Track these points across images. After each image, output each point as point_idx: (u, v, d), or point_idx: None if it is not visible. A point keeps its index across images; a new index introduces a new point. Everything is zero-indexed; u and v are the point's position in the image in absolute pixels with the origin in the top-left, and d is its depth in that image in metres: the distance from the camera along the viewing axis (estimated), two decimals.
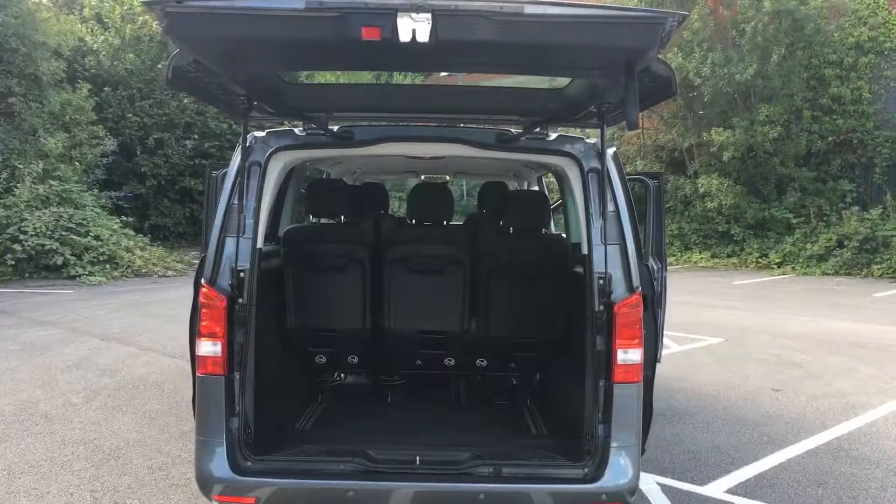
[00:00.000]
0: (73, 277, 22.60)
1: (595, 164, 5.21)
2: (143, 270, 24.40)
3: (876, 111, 27.50)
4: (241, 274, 4.97)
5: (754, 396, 9.74)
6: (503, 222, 6.50)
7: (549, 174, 9.07)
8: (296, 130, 5.42)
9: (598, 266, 4.96)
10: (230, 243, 5.02)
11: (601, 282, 4.98)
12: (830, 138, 27.61)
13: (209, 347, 4.98)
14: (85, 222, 24.42)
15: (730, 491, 6.83)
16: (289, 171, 7.24)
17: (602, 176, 5.13)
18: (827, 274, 25.10)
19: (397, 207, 26.03)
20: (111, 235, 24.83)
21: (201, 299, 5.04)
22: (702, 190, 28.28)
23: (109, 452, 7.59)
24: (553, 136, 5.43)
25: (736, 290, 21.40)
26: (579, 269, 6.16)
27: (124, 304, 17.70)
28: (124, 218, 27.28)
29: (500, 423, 6.24)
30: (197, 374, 4.99)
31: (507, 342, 6.52)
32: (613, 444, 4.80)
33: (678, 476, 7.12)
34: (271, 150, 5.18)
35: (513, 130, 5.42)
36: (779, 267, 26.52)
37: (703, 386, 10.22)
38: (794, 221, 27.38)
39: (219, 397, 4.89)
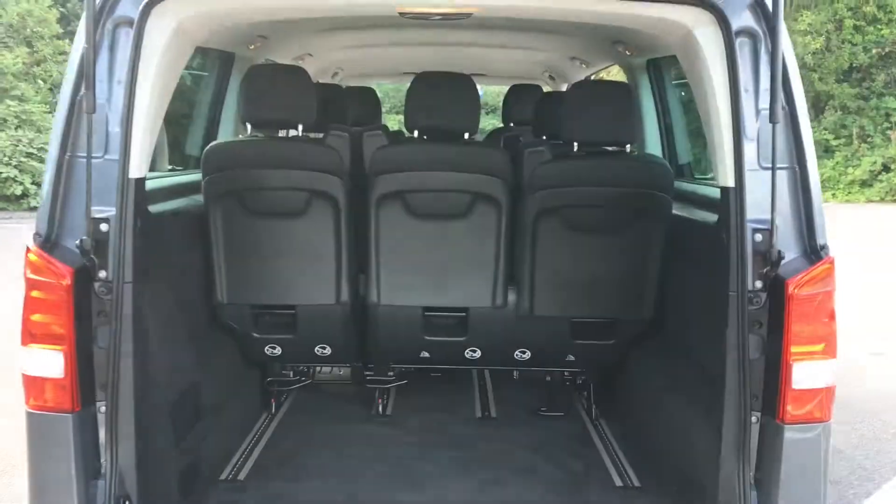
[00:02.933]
0: (34, 209, 20.18)
1: (752, 22, 2.95)
2: None
3: None
4: (103, 226, 2.80)
5: None
6: (562, 136, 4.04)
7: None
8: None
9: (754, 209, 2.84)
10: (78, 169, 2.83)
11: (759, 238, 2.86)
12: (875, 50, 24.99)
13: (44, 360, 2.88)
14: (46, 147, 21.87)
15: None
16: (220, 59, 4.78)
17: (774, 44, 2.79)
18: (872, 201, 22.81)
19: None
20: None
21: (27, 274, 2.85)
22: None
23: None
24: None
25: None
26: (692, 213, 3.79)
27: None
28: None
29: (555, 458, 3.95)
30: (27, 408, 2.89)
31: (564, 324, 4.20)
32: None
33: None
34: None
35: None
36: None
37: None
38: (834, 143, 25.01)
39: (64, 448, 2.83)
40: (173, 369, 3.31)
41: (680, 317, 3.89)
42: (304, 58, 5.99)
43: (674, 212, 3.97)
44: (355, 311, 4.21)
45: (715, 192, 3.79)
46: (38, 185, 20.75)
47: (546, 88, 7.50)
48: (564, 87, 7.45)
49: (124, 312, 2.83)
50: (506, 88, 7.36)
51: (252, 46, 4.79)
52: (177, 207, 3.85)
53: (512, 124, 6.81)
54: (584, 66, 6.29)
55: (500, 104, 7.56)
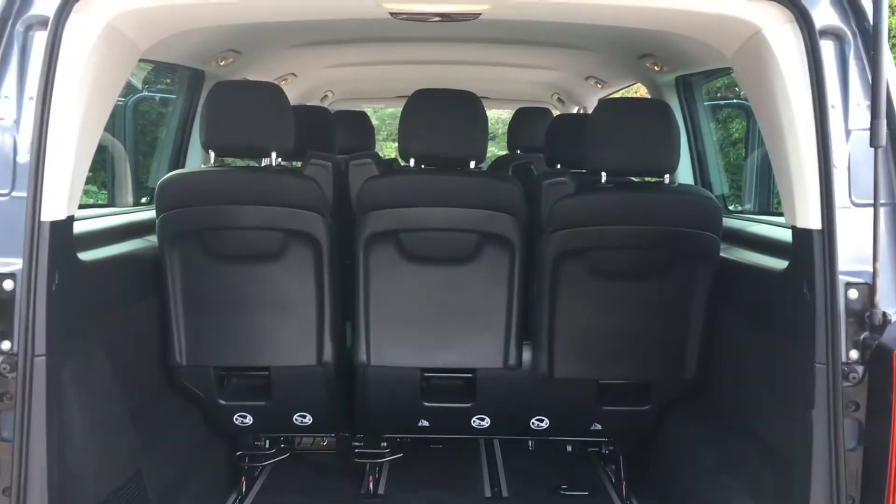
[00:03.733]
0: None
1: (837, 20, 2.35)
2: None
3: None
4: (6, 284, 2.22)
5: None
6: (587, 164, 3.38)
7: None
8: None
9: (846, 257, 2.25)
10: None
11: (853, 294, 2.26)
12: None
13: None
14: None
15: None
16: (189, 78, 4.17)
17: (876, 46, 2.18)
18: None
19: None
20: None
21: None
22: None
23: None
24: None
25: None
26: (743, 256, 3.27)
27: None
28: None
29: None
30: None
31: (590, 387, 3.54)
32: None
33: None
34: None
35: None
36: None
37: None
38: None
39: None
40: (108, 460, 2.63)
41: (734, 382, 3.21)
42: (287, 78, 5.36)
43: (721, 254, 3.32)
44: (340, 373, 3.53)
45: (779, 232, 3.15)
46: None
47: (555, 112, 6.87)
48: (576, 111, 6.83)
49: (34, 394, 2.17)
50: (506, 114, 6.75)
51: (223, 62, 4.15)
52: (125, 252, 3.20)
53: (519, 151, 6.16)
54: (599, 85, 5.66)
55: (500, 130, 6.93)
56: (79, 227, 2.79)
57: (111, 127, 4.82)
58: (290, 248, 3.34)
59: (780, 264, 2.85)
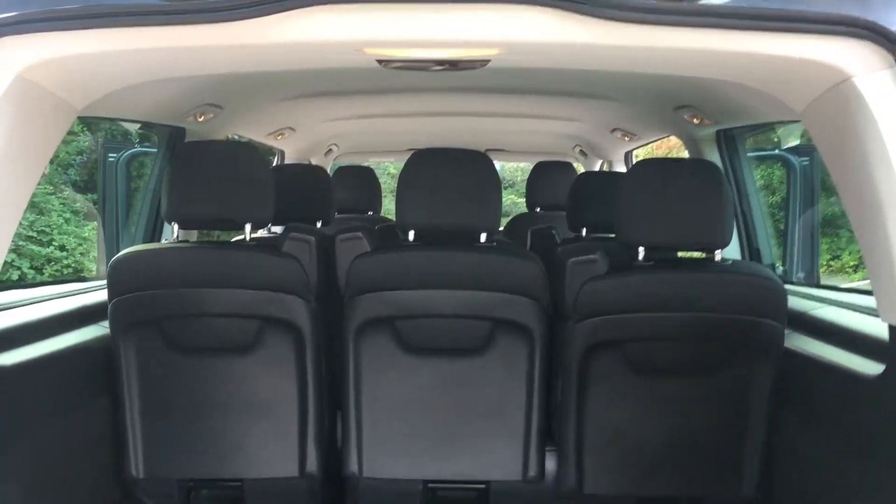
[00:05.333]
0: None
1: None
2: None
3: None
4: None
5: None
6: (621, 236, 2.82)
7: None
8: None
9: None
10: None
11: None
12: None
13: None
14: (48, 230, 21.09)
15: None
16: (168, 137, 3.73)
17: None
18: None
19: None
20: (79, 245, 21.49)
21: None
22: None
23: None
24: None
25: None
26: (812, 347, 2.66)
27: None
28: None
29: None
30: None
31: (622, 501, 2.89)
32: None
33: None
34: None
35: None
36: (855, 272, 22.58)
37: None
38: None
39: None
40: None
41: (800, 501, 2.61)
42: (283, 133, 4.88)
43: (787, 345, 2.74)
44: (328, 486, 2.96)
45: (859, 321, 2.58)
46: (37, 269, 19.90)
47: (577, 165, 6.34)
48: (598, 165, 6.29)
49: None
50: (527, 163, 6.23)
51: (201, 118, 3.66)
52: (65, 347, 2.67)
53: (539, 209, 5.60)
54: (627, 138, 5.13)
55: (519, 177, 6.40)
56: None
57: (102, 186, 4.37)
58: (267, 338, 2.81)
59: (870, 367, 2.27)
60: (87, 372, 2.79)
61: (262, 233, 4.00)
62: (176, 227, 2.86)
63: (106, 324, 2.88)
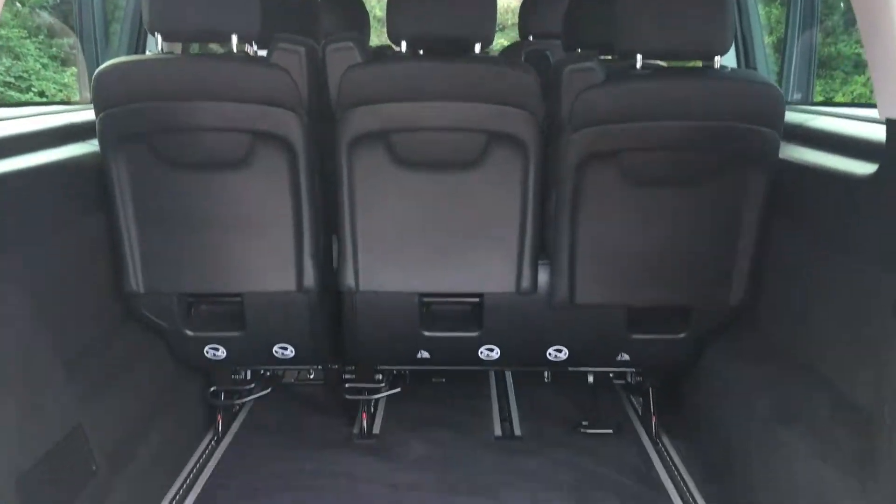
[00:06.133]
0: None
1: None
2: None
3: None
4: None
5: None
6: (618, 46, 2.75)
7: None
8: None
9: None
10: None
11: None
12: None
13: None
14: (26, 76, 20.48)
15: None
16: None
17: None
18: None
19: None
20: (59, 91, 20.95)
21: None
22: None
23: None
24: None
25: None
26: (807, 156, 2.70)
27: None
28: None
29: (601, 494, 2.81)
30: None
31: (618, 313, 3.02)
32: None
33: None
34: None
35: None
36: None
37: None
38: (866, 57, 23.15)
39: None
40: (33, 421, 2.14)
41: (794, 315, 2.68)
42: None
43: (780, 156, 2.73)
44: (325, 299, 3.02)
45: (856, 128, 2.57)
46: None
47: None
48: None
49: None
50: (516, 2, 5.95)
51: None
52: (54, 161, 2.63)
53: (532, 38, 5.42)
54: None
55: (509, 20, 6.13)
56: None
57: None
58: (259, 153, 2.77)
59: (863, 168, 2.28)
60: (78, 187, 2.76)
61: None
62: (160, 38, 2.75)
63: (95, 142, 2.83)
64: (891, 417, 1.95)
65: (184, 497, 2.85)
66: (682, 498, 2.84)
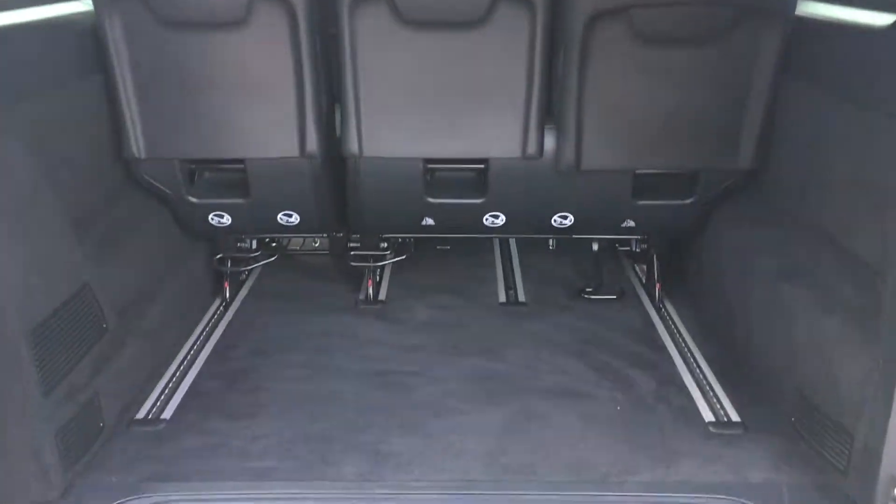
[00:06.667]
0: None
1: None
2: None
3: None
4: None
5: None
6: None
7: None
8: None
9: None
10: None
11: None
12: None
13: None
14: None
15: None
16: None
17: None
18: None
19: None
20: None
21: None
22: None
23: None
24: None
25: None
26: (825, 10, 2.58)
27: None
28: None
29: (605, 360, 2.86)
30: None
31: (625, 179, 3.01)
32: None
33: None
34: None
35: None
36: None
37: None
38: None
39: None
40: (41, 277, 2.16)
41: (804, 174, 2.64)
42: None
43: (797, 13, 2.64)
44: (329, 165, 2.99)
45: None
46: None
47: None
48: None
49: None
50: None
51: None
52: (46, 18, 2.56)
53: None
54: None
55: None
56: None
57: None
58: (258, 11, 2.69)
59: (881, 19, 2.20)
60: (74, 47, 2.70)
61: None
62: None
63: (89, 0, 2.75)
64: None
65: (195, 356, 2.92)
66: (682, 358, 2.89)
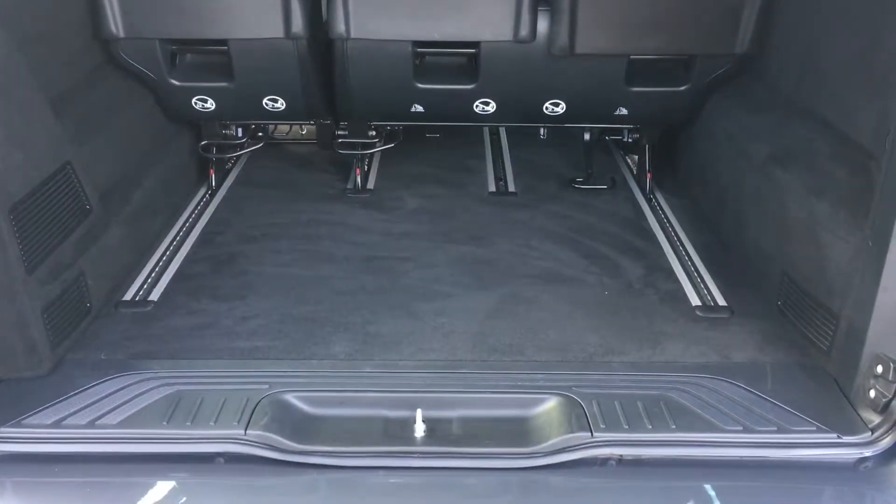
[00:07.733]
0: None
1: None
2: None
3: None
4: None
5: None
6: None
7: None
8: None
9: None
10: None
11: None
12: None
13: None
14: None
15: None
16: None
17: None
18: None
19: None
20: None
21: None
22: None
23: None
24: None
25: None
26: None
27: None
28: None
29: (595, 249, 2.85)
30: None
31: (618, 64, 2.94)
32: None
33: None
34: None
35: None
36: None
37: None
38: None
39: None
40: (20, 153, 2.10)
41: (801, 59, 2.58)
42: None
43: None
44: (315, 47, 2.90)
45: None
46: None
47: None
48: None
49: None
50: None
51: None
52: None
53: None
54: None
55: None
56: None
57: None
58: None
59: None
60: None
61: None
62: None
63: None
64: (892, 153, 1.92)
65: (182, 241, 2.90)
66: (671, 245, 2.89)
